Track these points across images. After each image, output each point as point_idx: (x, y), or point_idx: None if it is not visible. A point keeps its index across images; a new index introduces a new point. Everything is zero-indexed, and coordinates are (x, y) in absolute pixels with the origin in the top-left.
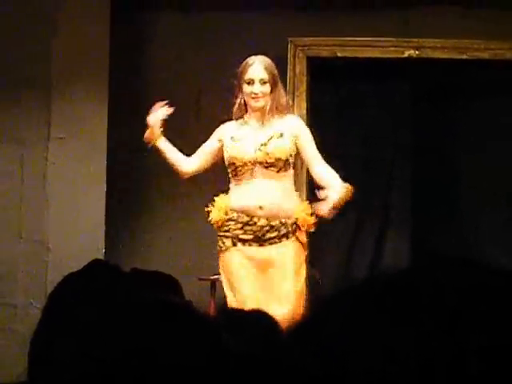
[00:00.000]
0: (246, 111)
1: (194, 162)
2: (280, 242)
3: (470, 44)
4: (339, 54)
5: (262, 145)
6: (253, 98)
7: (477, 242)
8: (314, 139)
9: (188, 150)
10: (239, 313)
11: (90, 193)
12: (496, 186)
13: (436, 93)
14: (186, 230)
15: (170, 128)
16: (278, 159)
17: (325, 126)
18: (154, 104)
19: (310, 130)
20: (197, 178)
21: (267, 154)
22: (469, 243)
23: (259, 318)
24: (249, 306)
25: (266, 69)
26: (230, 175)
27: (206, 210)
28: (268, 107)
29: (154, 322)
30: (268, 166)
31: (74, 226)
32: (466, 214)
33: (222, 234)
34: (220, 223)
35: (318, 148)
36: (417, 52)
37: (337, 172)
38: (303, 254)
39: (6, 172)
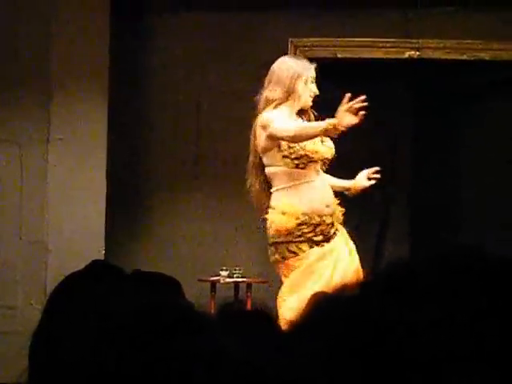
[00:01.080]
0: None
1: None
2: (336, 234)
3: (471, 45)
4: (340, 55)
5: (321, 141)
6: (311, 96)
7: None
8: None
9: (188, 151)
10: (239, 314)
11: (89, 194)
12: (495, 182)
13: (436, 93)
14: (186, 231)
15: (170, 129)
16: (332, 156)
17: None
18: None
19: None
20: (197, 178)
21: (330, 149)
22: (469, 240)
23: (259, 318)
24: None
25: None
26: (289, 169)
27: (264, 218)
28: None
29: (155, 324)
30: (327, 162)
31: (73, 227)
32: (466, 213)
33: (294, 239)
34: (291, 230)
35: None
36: (417, 53)
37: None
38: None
39: (6, 173)
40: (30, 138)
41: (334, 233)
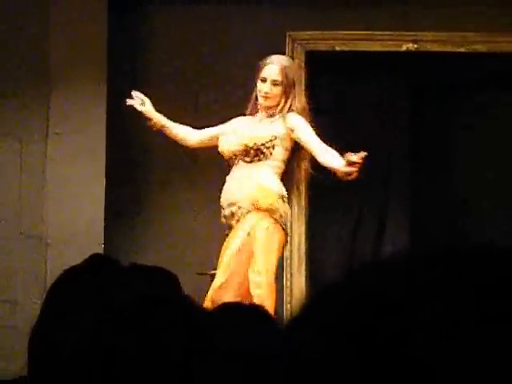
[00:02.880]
0: (256, 111)
1: (197, 137)
2: (237, 223)
3: (469, 37)
4: (337, 48)
5: (243, 137)
6: (262, 96)
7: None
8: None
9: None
10: (236, 307)
11: (89, 188)
12: (494, 175)
13: (434, 85)
14: (185, 224)
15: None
16: (246, 147)
17: (323, 119)
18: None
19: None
20: (195, 173)
21: (233, 143)
22: (467, 233)
23: (256, 312)
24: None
25: (281, 70)
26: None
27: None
28: (276, 108)
29: (154, 317)
30: (243, 153)
31: (72, 222)
32: (464, 205)
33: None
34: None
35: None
36: (415, 45)
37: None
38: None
39: (5, 168)
40: (29, 133)
41: (238, 220)
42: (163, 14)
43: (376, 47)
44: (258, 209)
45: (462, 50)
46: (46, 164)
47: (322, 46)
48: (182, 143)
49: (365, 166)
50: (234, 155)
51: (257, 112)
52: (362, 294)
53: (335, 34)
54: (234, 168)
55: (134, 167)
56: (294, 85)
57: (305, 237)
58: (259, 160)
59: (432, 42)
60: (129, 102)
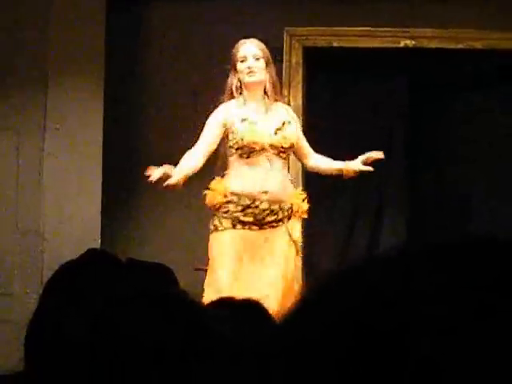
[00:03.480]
0: (241, 93)
1: (200, 159)
2: (277, 225)
3: (466, 34)
4: (335, 44)
5: (277, 129)
6: (248, 73)
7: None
8: (310, 129)
9: (185, 140)
10: (232, 302)
11: (85, 183)
12: (493, 170)
13: (432, 82)
14: (182, 219)
15: (166, 118)
16: (292, 145)
17: (321, 115)
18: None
19: (306, 119)
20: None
21: (285, 138)
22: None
23: (252, 307)
24: (223, 292)
25: (257, 46)
26: (235, 157)
27: (204, 193)
28: (267, 87)
29: (150, 312)
30: (281, 151)
31: (69, 216)
32: (462, 199)
33: (219, 214)
34: (218, 206)
35: (314, 137)
36: (413, 42)
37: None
38: (295, 245)
39: (2, 162)
40: (27, 128)
41: (276, 222)
42: (161, 13)
43: (374, 43)
44: (296, 215)
45: (460, 46)
46: (44, 159)
47: (320, 42)
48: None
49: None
50: (276, 150)
51: (232, 97)
52: (360, 288)
53: (333, 30)
54: (257, 159)
55: (132, 162)
56: (270, 62)
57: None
58: (289, 158)
59: (430, 38)
60: (154, 178)
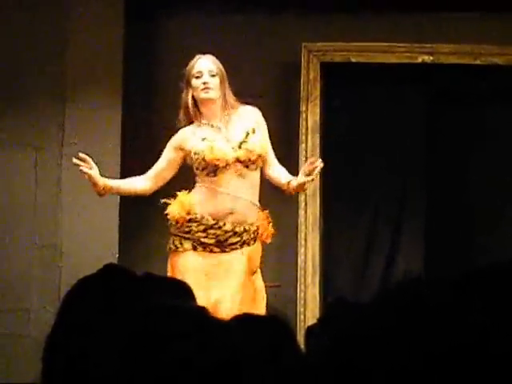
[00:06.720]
0: (195, 118)
1: (146, 182)
2: (241, 248)
3: (484, 49)
4: (353, 60)
5: (241, 143)
6: (203, 89)
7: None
8: (329, 145)
9: None
10: (253, 318)
11: (103, 198)
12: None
13: (450, 98)
14: None
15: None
16: (259, 155)
17: (338, 131)
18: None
19: (324, 135)
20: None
21: (250, 151)
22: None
23: (274, 324)
24: None
25: (213, 62)
26: (203, 177)
27: (163, 201)
28: (219, 104)
29: (168, 327)
30: (249, 164)
31: (87, 231)
32: (483, 217)
33: (180, 234)
34: (180, 222)
35: (331, 152)
36: (431, 58)
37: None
38: (257, 262)
39: (21, 177)
40: (45, 143)
41: (240, 245)
42: (179, 23)
43: (392, 59)
44: (261, 238)
45: (478, 62)
46: (62, 174)
47: (338, 58)
48: (144, 194)
49: (381, 177)
50: (233, 163)
51: (191, 122)
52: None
53: (351, 46)
54: (223, 177)
55: None
56: (225, 78)
57: (319, 248)
58: (257, 168)
59: (448, 54)
60: (75, 161)
